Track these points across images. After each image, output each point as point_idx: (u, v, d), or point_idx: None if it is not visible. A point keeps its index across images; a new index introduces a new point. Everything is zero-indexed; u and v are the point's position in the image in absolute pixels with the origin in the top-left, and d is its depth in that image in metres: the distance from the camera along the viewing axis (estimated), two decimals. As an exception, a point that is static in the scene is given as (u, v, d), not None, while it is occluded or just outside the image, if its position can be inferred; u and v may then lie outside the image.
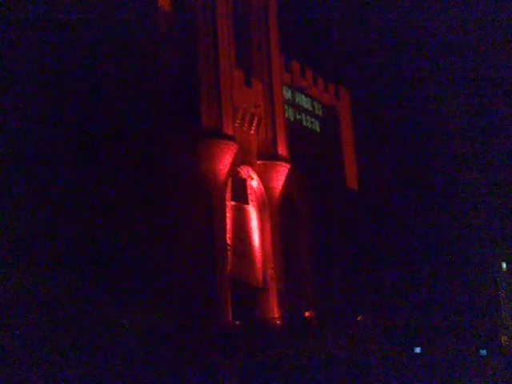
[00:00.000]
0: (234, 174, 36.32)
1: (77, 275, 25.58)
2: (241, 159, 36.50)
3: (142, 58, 32.07)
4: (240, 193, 37.29)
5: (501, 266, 42.84)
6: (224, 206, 34.67)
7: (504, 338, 44.15)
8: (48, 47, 28.87)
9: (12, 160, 26.96)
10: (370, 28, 57.30)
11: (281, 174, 38.78)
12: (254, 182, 38.19)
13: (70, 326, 22.19)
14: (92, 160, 29.31)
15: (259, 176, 38.07)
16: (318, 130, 46.03)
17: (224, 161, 34.22)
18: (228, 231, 34.89)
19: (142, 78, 31.61)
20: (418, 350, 21.01)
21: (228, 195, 35.76)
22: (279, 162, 38.26)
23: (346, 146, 50.43)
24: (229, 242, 35.00)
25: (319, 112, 46.27)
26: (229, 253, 35.39)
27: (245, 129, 37.59)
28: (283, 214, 40.46)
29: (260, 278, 38.10)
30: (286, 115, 41.39)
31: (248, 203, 37.81)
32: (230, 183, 35.94)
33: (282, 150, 38.87)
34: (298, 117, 43.81)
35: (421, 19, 56.63)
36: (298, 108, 43.97)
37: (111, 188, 29.51)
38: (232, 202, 36.21)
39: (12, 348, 19.73)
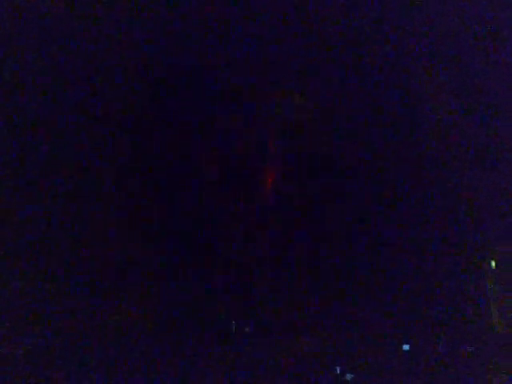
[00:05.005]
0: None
1: (69, 272, 25.33)
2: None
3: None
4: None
5: (490, 264, 42.70)
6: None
7: (493, 336, 44.17)
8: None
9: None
10: (365, 28, 56.83)
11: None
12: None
13: (62, 323, 22.01)
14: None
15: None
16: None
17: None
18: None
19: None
20: (406, 347, 20.95)
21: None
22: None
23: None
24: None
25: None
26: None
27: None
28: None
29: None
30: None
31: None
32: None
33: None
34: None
35: (416, 16, 56.23)
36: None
37: (100, 186, 29.24)
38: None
39: (5, 345, 19.63)
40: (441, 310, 13.46)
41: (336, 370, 12.62)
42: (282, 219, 13.96)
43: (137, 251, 15.43)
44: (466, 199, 13.65)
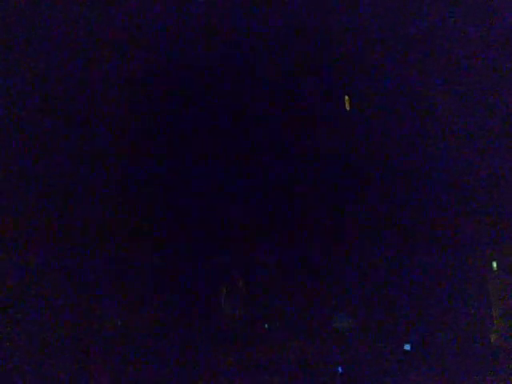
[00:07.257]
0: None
1: (68, 270, 25.34)
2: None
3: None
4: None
5: (491, 265, 42.54)
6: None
7: (494, 337, 44.08)
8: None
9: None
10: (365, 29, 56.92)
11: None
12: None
13: (61, 325, 22.02)
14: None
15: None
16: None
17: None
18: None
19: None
20: (407, 347, 20.98)
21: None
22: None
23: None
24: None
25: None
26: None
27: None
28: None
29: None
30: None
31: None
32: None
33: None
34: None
35: (415, 16, 56.30)
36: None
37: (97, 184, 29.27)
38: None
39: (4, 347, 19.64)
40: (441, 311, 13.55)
41: (338, 369, 12.71)
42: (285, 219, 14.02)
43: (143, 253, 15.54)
44: (467, 199, 13.72)
